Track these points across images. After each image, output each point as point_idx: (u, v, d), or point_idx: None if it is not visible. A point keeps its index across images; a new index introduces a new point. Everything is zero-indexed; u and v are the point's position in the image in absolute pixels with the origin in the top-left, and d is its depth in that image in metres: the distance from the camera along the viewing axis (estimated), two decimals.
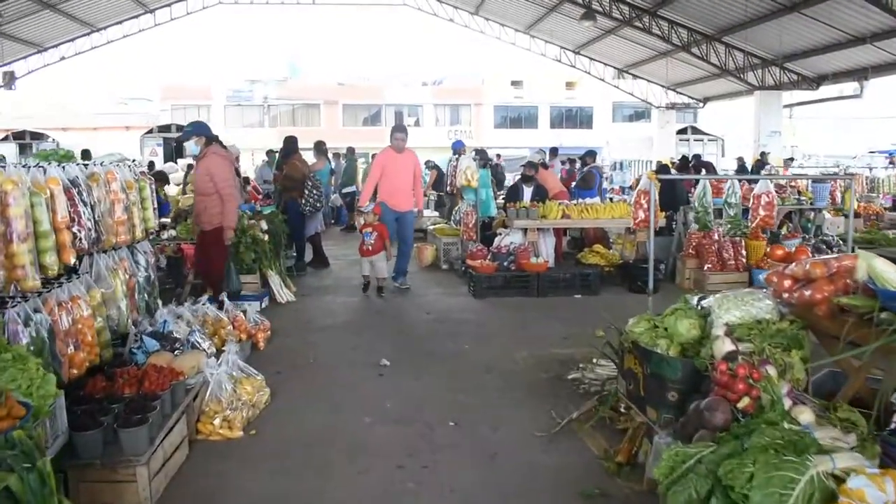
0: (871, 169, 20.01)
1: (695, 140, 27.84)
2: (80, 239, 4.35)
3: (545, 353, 6.33)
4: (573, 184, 14.43)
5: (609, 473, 3.97)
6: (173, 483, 3.90)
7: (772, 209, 9.35)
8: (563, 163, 16.91)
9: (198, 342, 5.12)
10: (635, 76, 27.38)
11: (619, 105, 43.41)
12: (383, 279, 8.91)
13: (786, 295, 3.54)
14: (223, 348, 5.29)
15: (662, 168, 13.22)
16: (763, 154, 20.67)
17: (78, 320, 4.22)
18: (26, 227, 3.70)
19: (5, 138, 23.33)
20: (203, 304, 6.11)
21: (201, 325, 5.75)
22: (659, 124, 29.41)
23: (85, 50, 24.45)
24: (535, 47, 26.92)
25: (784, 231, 10.70)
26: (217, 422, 4.48)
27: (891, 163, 22.41)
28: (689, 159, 15.79)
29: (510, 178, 20.23)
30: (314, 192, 10.31)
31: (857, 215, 11.62)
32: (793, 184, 12.80)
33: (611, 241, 11.42)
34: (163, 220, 9.48)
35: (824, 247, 9.92)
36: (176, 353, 4.85)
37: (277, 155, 13.02)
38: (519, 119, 45.95)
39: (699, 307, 3.88)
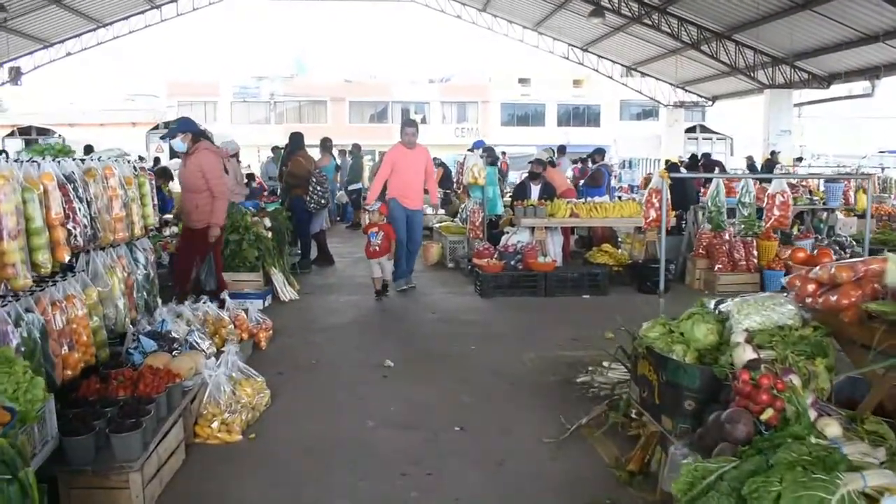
0: (883, 169, 19.75)
1: (703, 139, 27.57)
2: (76, 236, 4.22)
3: (553, 354, 6.19)
4: (581, 182, 14.27)
5: (621, 482, 3.82)
6: (168, 489, 3.77)
7: (787, 209, 9.17)
8: (574, 161, 16.74)
9: (196, 342, 4.98)
10: (644, 74, 27.18)
11: (626, 103, 43.18)
12: (387, 280, 8.71)
13: (809, 300, 3.37)
14: (223, 348, 5.16)
15: (672, 167, 13.03)
16: (774, 153, 20.45)
17: (72, 320, 4.09)
18: (17, 223, 3.57)
19: (11, 134, 23.21)
20: (204, 303, 5.98)
21: (202, 324, 5.61)
22: (667, 123, 29.17)
23: (91, 46, 24.33)
24: (542, 44, 26.72)
25: (795, 231, 10.53)
26: (215, 425, 4.35)
27: None
28: (699, 158, 15.62)
29: (515, 177, 20.12)
30: (318, 188, 10.16)
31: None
32: (804, 183, 12.60)
33: (619, 240, 11.26)
34: (165, 216, 9.39)
35: (837, 247, 9.75)
36: (174, 353, 4.71)
37: (283, 151, 12.88)
38: (526, 117, 45.76)
39: (717, 311, 3.72)
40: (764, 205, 9.52)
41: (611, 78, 28.65)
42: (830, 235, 10.95)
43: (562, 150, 16.04)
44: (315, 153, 12.00)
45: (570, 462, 4.12)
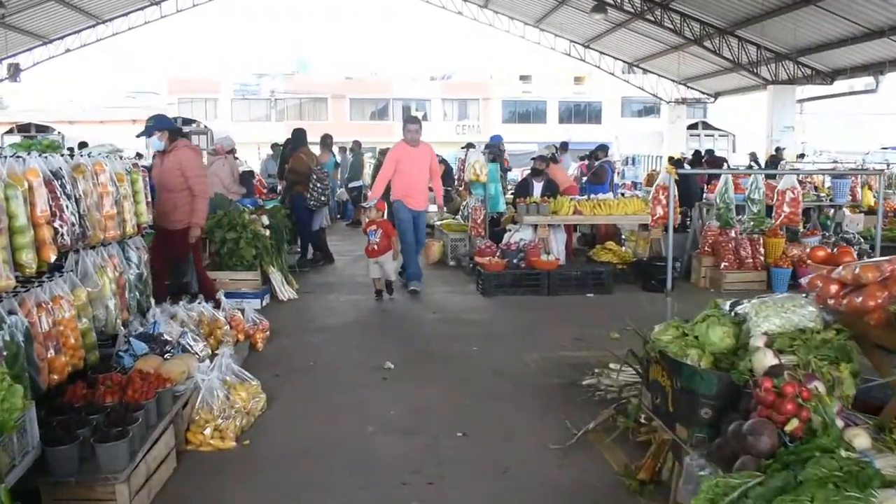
0: (888, 165, 19.56)
1: (705, 135, 27.39)
2: (63, 234, 4.04)
3: (557, 355, 6.04)
4: (584, 179, 14.11)
5: (631, 491, 3.66)
6: (158, 499, 3.61)
7: (797, 206, 9.02)
8: (581, 158, 16.59)
9: (189, 345, 4.80)
10: (645, 71, 26.98)
11: (628, 100, 43.01)
12: (390, 279, 8.49)
13: (832, 301, 3.19)
14: (218, 350, 4.99)
15: (676, 163, 12.86)
16: (778, 150, 20.25)
17: (59, 322, 3.92)
18: None
19: (10, 131, 23.00)
20: (199, 303, 5.81)
21: (196, 325, 5.44)
22: (669, 119, 28.98)
23: (90, 42, 24.15)
24: (544, 41, 26.51)
25: (802, 228, 10.35)
26: (208, 431, 4.17)
27: None
28: (703, 155, 15.45)
29: (516, 174, 19.95)
30: (318, 185, 9.98)
31: (875, 212, 11.24)
32: (809, 179, 12.42)
33: (623, 237, 11.09)
34: None
35: (845, 244, 9.56)
36: (166, 356, 4.55)
37: (283, 148, 12.69)
38: (527, 114, 45.61)
39: (733, 313, 3.54)
40: (773, 201, 9.35)
41: (612, 75, 28.43)
42: (838, 232, 10.76)
43: (564, 146, 15.90)
44: (316, 150, 11.82)
45: (578, 470, 3.95)
